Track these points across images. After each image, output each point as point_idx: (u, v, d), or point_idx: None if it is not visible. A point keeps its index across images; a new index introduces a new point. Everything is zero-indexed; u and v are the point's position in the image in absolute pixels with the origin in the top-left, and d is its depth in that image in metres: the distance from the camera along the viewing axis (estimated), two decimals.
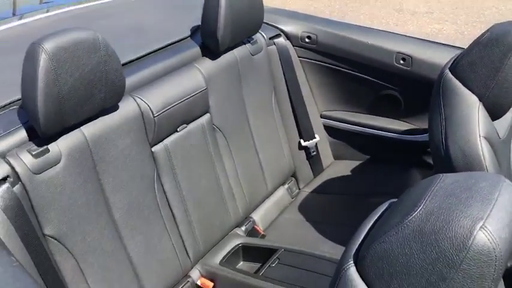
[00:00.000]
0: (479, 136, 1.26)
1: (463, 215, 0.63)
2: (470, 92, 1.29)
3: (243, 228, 1.76)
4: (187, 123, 1.54)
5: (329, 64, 1.94)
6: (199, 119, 1.58)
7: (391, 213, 0.73)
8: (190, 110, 1.53)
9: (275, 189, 1.93)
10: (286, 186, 1.99)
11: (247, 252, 1.66)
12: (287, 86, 1.93)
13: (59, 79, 1.11)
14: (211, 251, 1.63)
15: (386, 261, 0.67)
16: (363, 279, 0.70)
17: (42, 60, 1.08)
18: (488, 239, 0.60)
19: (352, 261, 0.72)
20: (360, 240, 0.75)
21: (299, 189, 2.04)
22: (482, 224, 0.61)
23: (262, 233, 1.80)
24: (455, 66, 1.33)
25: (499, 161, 1.31)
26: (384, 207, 0.81)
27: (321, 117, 2.05)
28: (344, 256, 0.75)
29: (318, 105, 2.04)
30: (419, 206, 0.67)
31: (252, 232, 1.78)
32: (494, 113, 1.31)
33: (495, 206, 0.64)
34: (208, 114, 1.61)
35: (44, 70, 1.08)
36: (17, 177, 1.12)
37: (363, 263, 0.70)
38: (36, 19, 1.70)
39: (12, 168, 1.12)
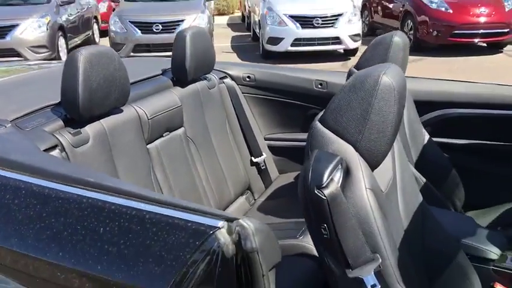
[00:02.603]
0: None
1: (373, 71, 1.16)
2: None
3: None
4: (170, 131, 1.99)
5: (266, 96, 2.52)
6: (177, 130, 2.04)
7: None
8: (171, 120, 1.99)
9: (236, 197, 2.36)
10: (244, 196, 2.43)
11: None
12: (237, 115, 2.46)
13: (91, 76, 1.55)
14: None
15: (337, 109, 1.18)
16: (325, 127, 1.19)
17: (81, 61, 1.53)
18: (389, 79, 1.13)
19: (318, 121, 1.21)
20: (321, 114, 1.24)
21: (254, 199, 2.48)
22: (384, 72, 1.14)
23: None
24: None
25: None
26: None
27: (265, 140, 2.57)
28: (313, 121, 1.23)
29: (261, 130, 2.57)
30: (348, 81, 1.19)
31: None
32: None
33: (389, 68, 1.18)
34: (183, 128, 2.08)
35: (82, 68, 1.53)
36: (62, 148, 1.51)
37: (324, 118, 1.20)
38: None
39: (59, 140, 1.50)
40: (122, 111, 1.77)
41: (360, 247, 1.07)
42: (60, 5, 9.02)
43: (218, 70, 2.47)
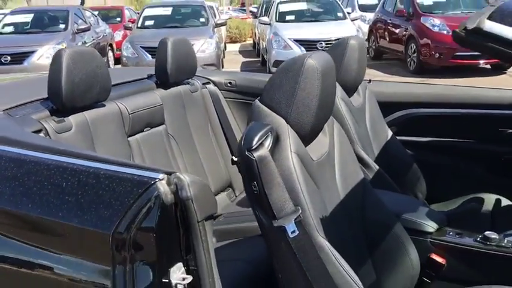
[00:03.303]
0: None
1: (301, 56, 1.35)
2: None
3: None
4: (151, 127, 2.20)
5: (246, 100, 2.72)
6: (158, 127, 2.24)
7: None
8: (152, 117, 2.20)
9: (217, 193, 2.54)
10: (225, 193, 2.60)
11: None
12: (218, 118, 2.66)
13: (74, 71, 1.77)
14: None
15: (271, 88, 1.37)
16: (262, 104, 1.38)
17: (65, 58, 1.75)
18: (313, 61, 1.33)
19: (257, 100, 1.41)
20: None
21: (236, 196, 2.65)
22: (309, 56, 1.34)
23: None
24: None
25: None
26: None
27: None
28: (254, 100, 1.42)
29: (242, 132, 2.76)
30: (281, 65, 1.39)
31: None
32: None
33: (314, 54, 1.37)
34: (164, 125, 2.28)
35: (66, 64, 1.75)
36: (46, 132, 1.72)
37: (262, 97, 1.39)
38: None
39: (44, 126, 1.72)
40: (104, 105, 1.98)
41: (284, 201, 1.24)
42: (76, 33, 9.48)
43: (201, 76, 2.69)
